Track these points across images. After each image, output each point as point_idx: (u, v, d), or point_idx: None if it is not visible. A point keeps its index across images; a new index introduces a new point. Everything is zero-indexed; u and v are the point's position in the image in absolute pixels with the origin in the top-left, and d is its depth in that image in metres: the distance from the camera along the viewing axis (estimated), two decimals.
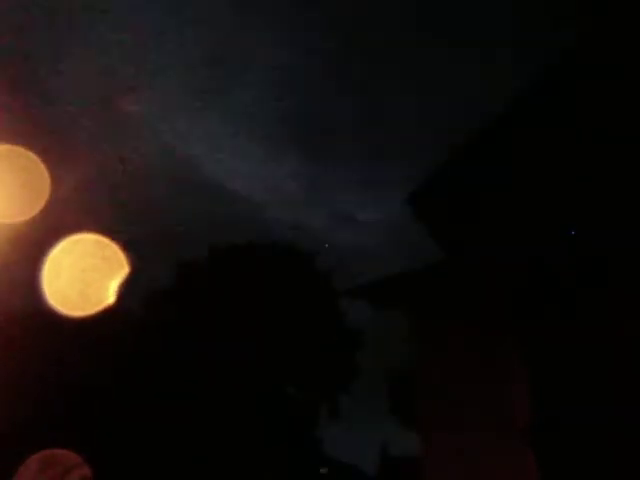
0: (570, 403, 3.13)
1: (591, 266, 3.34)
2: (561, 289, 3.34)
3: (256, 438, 3.34)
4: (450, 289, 3.22)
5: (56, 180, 3.07)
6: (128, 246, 3.13)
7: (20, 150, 3.02)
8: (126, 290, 3.23)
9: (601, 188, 3.32)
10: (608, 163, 3.28)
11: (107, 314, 3.19)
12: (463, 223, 3.33)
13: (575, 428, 3.10)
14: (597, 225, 3.36)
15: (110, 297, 3.40)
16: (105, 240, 3.17)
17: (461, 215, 3.35)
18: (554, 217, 3.39)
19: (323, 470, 3.25)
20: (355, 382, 3.92)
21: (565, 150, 3.28)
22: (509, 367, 2.95)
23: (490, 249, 3.32)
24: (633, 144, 3.23)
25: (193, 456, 3.18)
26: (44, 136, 3.12)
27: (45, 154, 3.03)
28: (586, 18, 3.08)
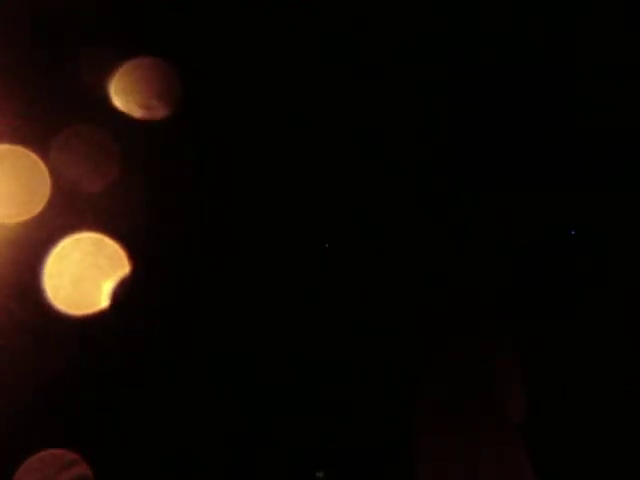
0: (567, 401, 3.15)
1: (591, 266, 3.36)
2: (561, 289, 3.35)
3: (255, 437, 3.36)
4: (449, 289, 3.24)
5: (57, 180, 3.09)
6: None
7: (20, 150, 3.03)
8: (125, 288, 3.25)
9: (601, 187, 3.34)
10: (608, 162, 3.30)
11: (108, 313, 3.22)
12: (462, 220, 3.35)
13: (572, 427, 3.12)
14: (597, 225, 3.38)
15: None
16: (106, 239, 3.19)
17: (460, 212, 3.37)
18: (554, 217, 3.41)
19: (319, 474, 3.22)
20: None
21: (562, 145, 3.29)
22: (507, 367, 2.96)
23: (489, 248, 3.34)
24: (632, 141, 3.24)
25: (192, 456, 3.21)
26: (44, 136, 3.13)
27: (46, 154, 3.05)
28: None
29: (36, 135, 3.02)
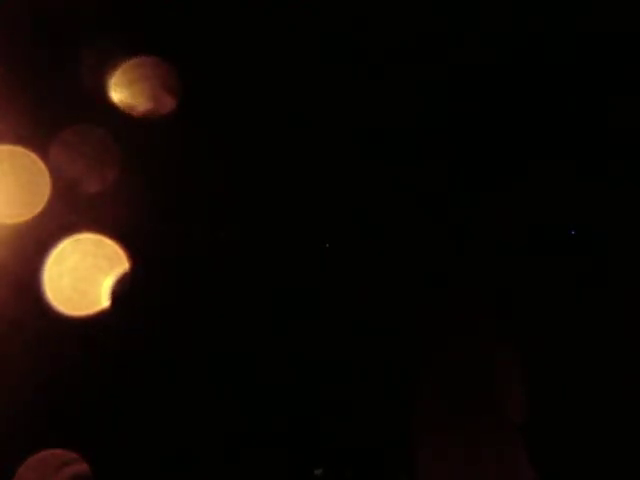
0: (567, 401, 3.15)
1: (591, 266, 3.36)
2: (561, 289, 3.35)
3: (253, 437, 3.35)
4: (449, 289, 3.24)
5: (57, 180, 3.09)
6: None
7: (20, 150, 3.03)
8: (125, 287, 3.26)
9: (601, 187, 3.34)
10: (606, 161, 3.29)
11: (108, 313, 3.22)
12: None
13: (572, 427, 3.11)
14: (597, 224, 3.38)
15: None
16: (105, 239, 3.19)
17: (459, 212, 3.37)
18: (554, 217, 3.41)
19: (317, 471, 3.22)
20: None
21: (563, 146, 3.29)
22: (507, 367, 2.96)
23: (489, 248, 3.34)
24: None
25: (192, 455, 3.20)
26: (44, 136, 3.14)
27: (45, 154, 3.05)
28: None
29: (36, 135, 3.02)
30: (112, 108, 3.14)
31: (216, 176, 3.31)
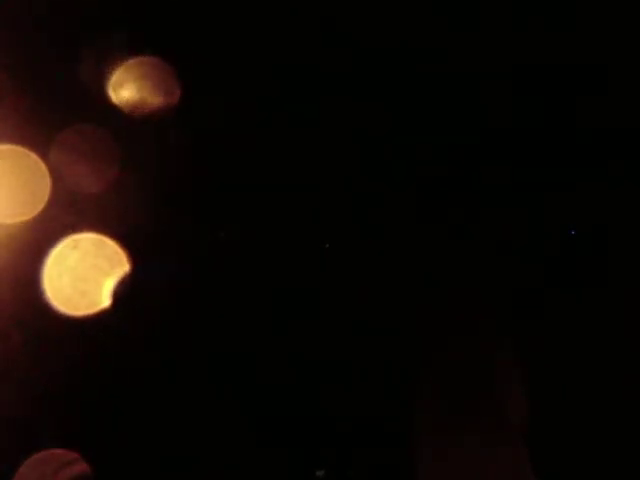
0: (567, 401, 3.15)
1: (591, 266, 3.36)
2: (561, 289, 3.35)
3: (253, 437, 3.36)
4: (449, 289, 3.24)
5: (58, 180, 3.09)
6: None
7: (20, 150, 3.04)
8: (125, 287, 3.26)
9: (601, 187, 3.34)
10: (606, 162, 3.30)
11: (108, 313, 3.22)
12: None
13: (572, 427, 3.12)
14: (597, 224, 3.38)
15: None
16: (106, 239, 3.19)
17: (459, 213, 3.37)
18: (554, 217, 3.41)
19: (319, 473, 3.23)
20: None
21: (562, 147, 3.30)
22: (507, 367, 2.96)
23: (489, 248, 3.34)
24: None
25: (192, 455, 3.21)
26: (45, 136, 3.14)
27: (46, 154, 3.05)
28: None
29: (36, 135, 3.02)
30: (112, 108, 3.14)
31: (216, 175, 3.31)
